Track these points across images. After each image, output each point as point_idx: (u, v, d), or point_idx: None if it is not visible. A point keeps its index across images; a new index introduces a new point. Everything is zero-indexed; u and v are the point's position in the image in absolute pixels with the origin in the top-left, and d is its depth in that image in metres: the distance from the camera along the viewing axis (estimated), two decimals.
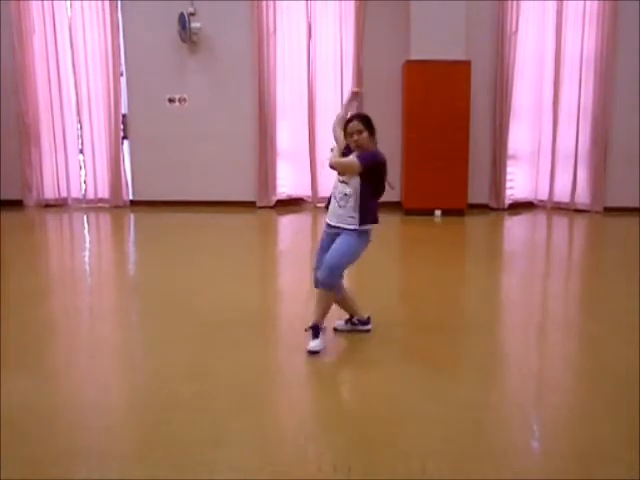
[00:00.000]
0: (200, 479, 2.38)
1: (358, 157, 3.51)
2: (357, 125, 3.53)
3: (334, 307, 3.75)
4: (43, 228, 8.57)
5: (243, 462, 2.48)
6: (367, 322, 3.92)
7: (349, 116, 3.64)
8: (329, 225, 3.67)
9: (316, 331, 3.60)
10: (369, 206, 3.55)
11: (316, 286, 3.70)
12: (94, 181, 9.53)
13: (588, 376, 3.42)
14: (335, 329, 3.91)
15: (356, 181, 3.50)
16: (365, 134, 3.52)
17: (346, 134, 3.57)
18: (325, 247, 3.70)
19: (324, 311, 3.65)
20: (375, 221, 3.61)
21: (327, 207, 3.73)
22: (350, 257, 3.62)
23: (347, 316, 3.93)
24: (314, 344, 3.56)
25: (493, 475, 2.39)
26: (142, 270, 6.00)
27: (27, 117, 9.20)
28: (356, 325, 3.91)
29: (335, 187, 3.63)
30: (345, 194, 3.54)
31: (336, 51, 9.07)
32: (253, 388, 3.19)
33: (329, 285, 3.60)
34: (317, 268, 3.70)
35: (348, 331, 3.91)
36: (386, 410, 2.94)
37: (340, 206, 3.57)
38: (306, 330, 3.62)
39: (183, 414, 2.87)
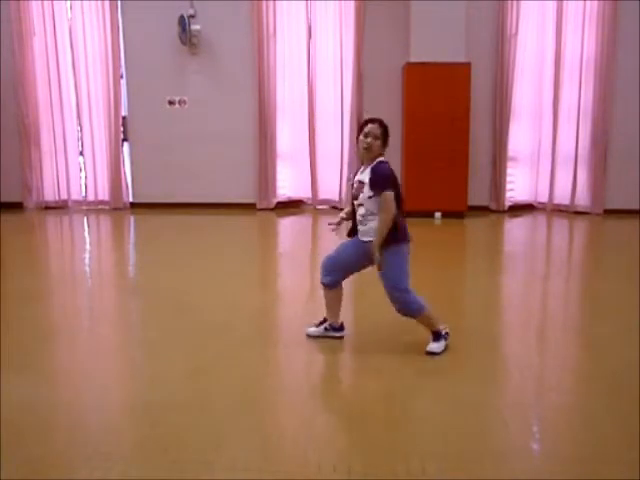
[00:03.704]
0: (200, 479, 2.38)
1: (376, 186, 3.42)
2: (376, 129, 3.47)
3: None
4: (43, 230, 8.58)
5: (243, 462, 2.47)
6: (340, 328, 3.84)
7: (370, 118, 3.58)
8: (360, 240, 3.60)
9: (437, 336, 3.63)
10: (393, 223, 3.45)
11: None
12: (94, 183, 9.54)
13: (588, 376, 3.42)
14: (308, 335, 3.85)
15: (370, 201, 3.46)
16: (379, 142, 3.47)
17: (360, 131, 3.52)
18: (343, 252, 3.68)
19: (430, 320, 3.63)
20: (405, 238, 3.52)
21: (347, 219, 3.72)
22: (400, 271, 3.52)
23: (318, 321, 3.87)
24: (435, 346, 3.61)
25: (493, 475, 2.39)
26: (142, 271, 6.00)
27: (27, 119, 9.21)
28: (328, 331, 3.83)
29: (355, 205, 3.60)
30: (362, 215, 3.52)
31: (336, 52, 9.08)
32: (253, 388, 3.19)
33: (410, 311, 3.57)
34: (326, 273, 3.70)
35: (320, 337, 3.82)
36: (386, 410, 2.94)
37: (364, 224, 3.54)
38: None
39: (183, 414, 2.87)
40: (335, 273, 3.69)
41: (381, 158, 3.51)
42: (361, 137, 3.49)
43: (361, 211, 3.53)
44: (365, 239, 3.54)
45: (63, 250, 7.51)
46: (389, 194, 3.41)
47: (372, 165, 3.49)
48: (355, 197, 3.56)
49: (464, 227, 8.25)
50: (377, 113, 3.58)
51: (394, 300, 3.56)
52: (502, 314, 4.80)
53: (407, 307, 3.57)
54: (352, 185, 3.65)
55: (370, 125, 3.48)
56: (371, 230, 3.49)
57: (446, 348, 3.63)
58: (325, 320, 3.85)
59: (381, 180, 3.43)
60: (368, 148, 3.47)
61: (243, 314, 4.42)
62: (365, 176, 3.49)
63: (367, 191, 3.46)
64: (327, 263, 3.72)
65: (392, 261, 3.48)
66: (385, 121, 3.56)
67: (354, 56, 9.01)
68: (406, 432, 2.72)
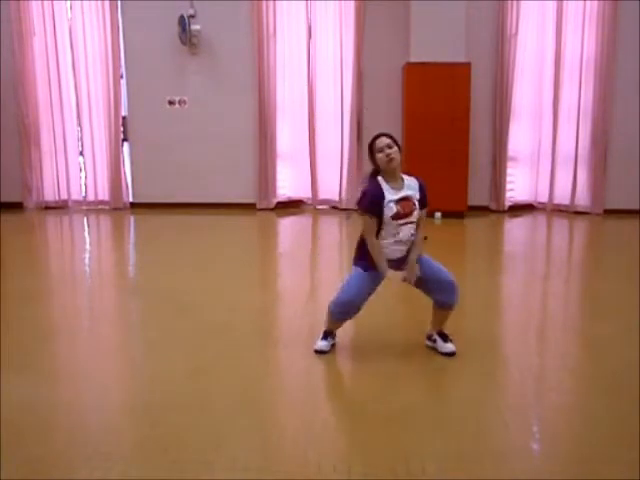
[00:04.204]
0: (200, 479, 2.38)
1: (425, 201, 3.53)
2: (386, 140, 3.39)
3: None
4: (43, 230, 8.58)
5: (243, 462, 2.47)
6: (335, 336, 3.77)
7: (375, 135, 3.48)
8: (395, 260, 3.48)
9: (327, 335, 3.64)
10: None
11: (447, 307, 3.60)
12: (94, 183, 9.54)
13: (588, 376, 3.42)
14: (319, 351, 3.61)
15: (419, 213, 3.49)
16: (395, 148, 3.39)
17: (374, 151, 3.41)
18: (361, 295, 3.49)
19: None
20: None
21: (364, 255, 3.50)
22: None
23: (322, 333, 3.71)
24: (449, 346, 3.59)
25: (493, 475, 2.39)
26: (142, 271, 6.00)
27: (27, 119, 9.21)
28: (334, 339, 3.72)
29: (394, 234, 3.41)
30: (412, 234, 3.46)
31: (336, 52, 9.07)
32: (253, 388, 3.19)
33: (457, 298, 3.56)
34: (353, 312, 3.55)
35: (332, 346, 3.68)
36: (386, 410, 2.94)
37: (407, 246, 3.45)
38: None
39: (183, 414, 2.87)
40: (350, 315, 3.59)
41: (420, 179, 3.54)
42: (378, 155, 3.37)
43: (410, 230, 3.44)
44: (401, 256, 3.48)
45: (63, 250, 7.51)
46: (423, 216, 3.55)
47: (419, 181, 3.51)
48: (406, 215, 3.40)
49: (464, 227, 8.25)
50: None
51: (454, 288, 3.50)
52: (502, 314, 4.80)
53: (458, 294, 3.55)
54: (391, 206, 3.38)
55: (378, 140, 3.41)
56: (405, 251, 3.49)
57: None
58: (330, 331, 3.70)
59: (427, 196, 3.53)
60: (392, 159, 3.36)
61: (243, 314, 4.42)
62: (411, 191, 3.44)
63: (418, 207, 3.47)
64: (342, 309, 3.54)
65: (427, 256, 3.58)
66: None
67: (354, 56, 9.01)
68: (406, 432, 2.72)
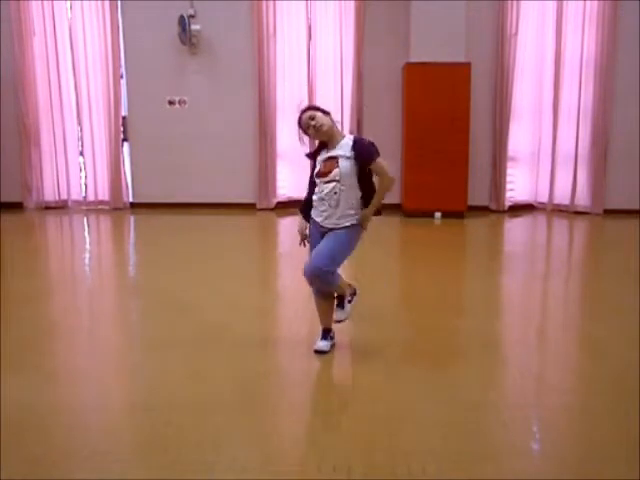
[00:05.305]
0: (200, 479, 2.38)
1: (368, 154, 3.37)
2: (305, 116, 3.40)
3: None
4: (43, 230, 8.57)
5: (243, 462, 2.47)
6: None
7: (299, 116, 3.47)
8: (322, 226, 3.48)
9: (326, 334, 3.65)
10: (369, 192, 3.45)
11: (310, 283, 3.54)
12: (94, 183, 9.54)
13: (588, 377, 3.42)
14: (320, 351, 3.62)
15: (349, 176, 3.38)
16: (319, 113, 3.39)
17: (302, 129, 3.44)
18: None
19: (342, 287, 3.58)
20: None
21: (302, 210, 3.59)
22: (351, 250, 3.52)
23: (320, 333, 3.70)
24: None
25: (493, 475, 2.39)
26: (142, 271, 6.00)
27: (27, 119, 9.21)
28: (333, 339, 3.72)
29: (318, 190, 3.45)
30: (335, 192, 3.38)
31: (336, 52, 9.08)
32: (253, 389, 3.18)
33: (323, 276, 3.42)
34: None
35: (332, 346, 3.69)
36: (386, 410, 2.94)
37: (332, 206, 3.41)
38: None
39: (183, 414, 2.87)
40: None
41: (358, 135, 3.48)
42: (309, 132, 3.40)
43: (332, 188, 3.38)
44: (329, 225, 3.44)
45: (63, 250, 7.51)
46: (382, 160, 3.41)
47: (355, 139, 3.44)
48: (325, 174, 3.40)
49: (464, 227, 8.25)
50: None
51: (321, 273, 3.40)
52: (502, 314, 4.80)
53: (328, 283, 3.51)
54: (317, 165, 3.47)
55: (303, 116, 3.42)
56: (344, 213, 3.40)
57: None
58: (328, 330, 3.70)
59: (372, 147, 3.41)
60: (318, 126, 3.36)
61: (243, 314, 4.42)
62: (340, 151, 3.39)
63: (346, 164, 3.36)
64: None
65: (354, 238, 3.49)
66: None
67: (354, 56, 9.01)
68: (406, 432, 2.72)
